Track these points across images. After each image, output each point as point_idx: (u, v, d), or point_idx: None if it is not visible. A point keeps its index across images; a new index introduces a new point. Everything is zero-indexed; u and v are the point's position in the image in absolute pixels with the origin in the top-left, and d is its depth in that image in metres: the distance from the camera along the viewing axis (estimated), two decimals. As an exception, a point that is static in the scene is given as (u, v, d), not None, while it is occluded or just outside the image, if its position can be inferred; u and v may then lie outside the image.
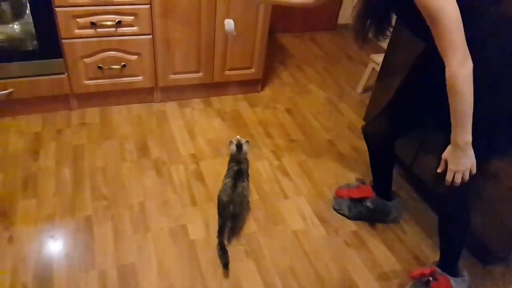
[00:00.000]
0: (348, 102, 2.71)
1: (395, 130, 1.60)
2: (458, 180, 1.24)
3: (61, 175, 1.88)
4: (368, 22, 1.26)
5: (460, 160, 1.21)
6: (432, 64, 1.31)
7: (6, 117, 2.18)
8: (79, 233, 1.63)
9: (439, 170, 1.28)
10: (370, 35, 1.30)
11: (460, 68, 1.07)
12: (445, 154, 1.25)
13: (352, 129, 2.45)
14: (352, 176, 2.09)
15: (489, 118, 1.26)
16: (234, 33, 1.73)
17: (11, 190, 1.78)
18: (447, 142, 1.26)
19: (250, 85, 2.62)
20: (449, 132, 1.26)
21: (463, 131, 1.16)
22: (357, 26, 1.29)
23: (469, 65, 1.08)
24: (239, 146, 1.79)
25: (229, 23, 1.75)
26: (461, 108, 1.12)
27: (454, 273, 1.53)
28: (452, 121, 1.17)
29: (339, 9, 3.60)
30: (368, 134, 1.70)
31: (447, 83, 1.11)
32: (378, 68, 2.44)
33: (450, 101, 1.13)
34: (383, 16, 1.27)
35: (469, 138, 1.17)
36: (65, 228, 1.65)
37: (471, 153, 1.20)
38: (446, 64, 1.09)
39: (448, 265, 1.54)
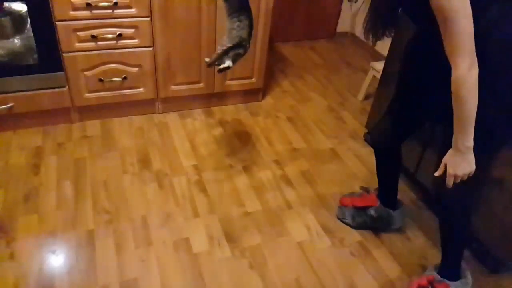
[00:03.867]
0: (350, 110, 2.70)
1: (399, 130, 1.59)
2: (456, 182, 1.23)
3: (63, 189, 1.87)
4: (380, 21, 1.26)
5: (460, 165, 1.20)
6: (425, 54, 1.31)
7: (6, 131, 2.17)
8: (81, 248, 1.61)
9: (437, 174, 1.27)
10: (381, 32, 1.29)
11: (467, 73, 1.07)
12: (445, 158, 1.23)
13: (354, 136, 2.44)
14: (356, 184, 2.08)
15: (488, 115, 1.25)
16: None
17: (12, 206, 1.76)
18: (445, 137, 1.25)
19: (251, 95, 2.62)
20: (447, 126, 1.25)
21: (465, 136, 1.15)
22: (369, 24, 1.28)
23: (476, 70, 1.07)
24: None
25: None
26: (464, 113, 1.12)
27: (456, 276, 1.52)
28: (454, 125, 1.16)
29: (338, 18, 3.61)
30: (374, 138, 1.69)
31: (452, 87, 1.10)
32: (378, 76, 2.43)
33: (454, 105, 1.12)
34: (393, 13, 1.26)
35: (470, 143, 1.16)
36: (67, 244, 1.63)
37: (471, 158, 1.19)
38: (453, 67, 1.08)
39: (449, 268, 1.53)
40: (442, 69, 1.17)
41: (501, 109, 1.28)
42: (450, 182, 1.24)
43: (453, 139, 1.18)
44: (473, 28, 1.04)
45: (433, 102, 1.37)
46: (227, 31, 1.65)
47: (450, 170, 1.22)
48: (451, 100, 1.14)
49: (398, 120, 1.56)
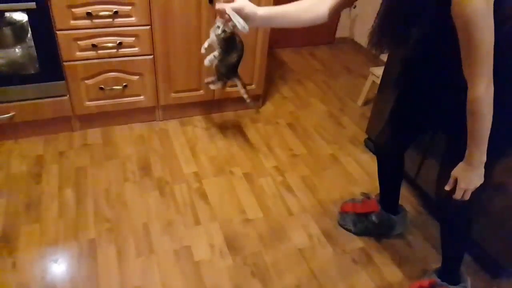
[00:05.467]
0: (350, 115, 2.71)
1: (401, 138, 1.59)
2: (466, 197, 1.24)
3: (64, 198, 1.87)
4: (392, 36, 1.21)
5: (472, 179, 1.21)
6: (427, 62, 1.30)
7: (8, 140, 2.18)
8: (82, 257, 1.62)
9: (447, 188, 1.27)
10: (390, 47, 1.27)
11: (485, 93, 1.06)
12: (456, 172, 1.23)
13: (354, 142, 2.45)
14: (357, 190, 2.08)
15: (494, 127, 1.26)
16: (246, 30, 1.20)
17: (14, 215, 1.77)
18: (449, 148, 1.25)
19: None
20: (453, 138, 1.26)
21: (479, 151, 1.15)
22: (375, 38, 1.22)
23: (492, 88, 1.07)
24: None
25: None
26: (480, 130, 1.11)
27: (455, 280, 1.53)
28: (469, 141, 1.15)
29: (337, 23, 3.63)
30: (376, 146, 1.69)
31: (469, 106, 1.10)
32: (378, 81, 2.44)
33: (469, 123, 1.12)
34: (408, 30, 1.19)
35: (484, 157, 1.16)
36: (69, 252, 1.63)
37: (482, 171, 1.20)
38: (471, 87, 1.07)
39: (449, 272, 1.54)
40: (445, 79, 1.17)
41: (504, 117, 1.28)
42: (459, 195, 1.24)
43: (467, 154, 1.18)
44: (493, 46, 1.03)
45: (436, 113, 1.36)
46: (226, 59, 1.77)
47: (462, 185, 1.22)
48: (456, 112, 1.14)
49: (400, 129, 1.56)
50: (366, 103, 2.82)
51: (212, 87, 1.88)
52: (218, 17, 1.70)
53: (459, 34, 1.04)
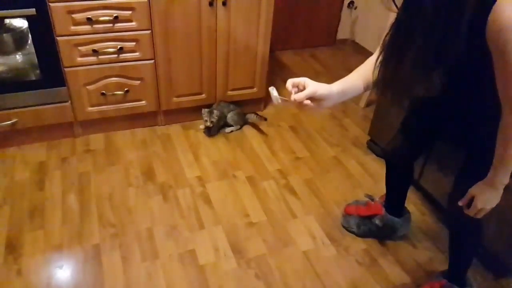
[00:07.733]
0: (352, 117, 2.70)
1: (414, 148, 1.57)
2: (479, 216, 1.23)
3: (68, 204, 1.87)
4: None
5: (490, 200, 1.20)
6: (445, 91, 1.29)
7: (11, 147, 2.18)
8: (87, 263, 1.62)
9: (461, 203, 1.26)
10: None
11: None
12: (475, 191, 1.22)
13: (357, 144, 2.44)
14: (360, 192, 2.07)
15: None
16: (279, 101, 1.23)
17: (19, 222, 1.77)
18: (466, 164, 1.27)
19: (253, 104, 2.62)
20: (468, 148, 1.27)
21: (504, 174, 1.13)
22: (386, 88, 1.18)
23: None
24: (211, 111, 2.33)
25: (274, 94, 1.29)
26: (510, 153, 1.09)
27: (462, 284, 1.52)
28: (495, 163, 1.13)
29: (338, 25, 3.63)
30: (388, 153, 1.67)
31: (503, 131, 1.07)
32: (380, 82, 2.43)
33: (501, 146, 1.10)
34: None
35: (507, 180, 1.14)
36: (74, 258, 1.63)
37: (501, 193, 1.19)
38: (508, 112, 1.03)
39: (457, 276, 1.53)
40: (468, 105, 1.16)
41: None
42: (473, 213, 1.23)
43: (491, 175, 1.16)
44: None
45: (457, 130, 1.35)
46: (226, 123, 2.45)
47: (479, 204, 1.20)
48: (482, 134, 1.13)
49: (413, 140, 1.54)
50: (368, 104, 2.82)
51: (228, 130, 2.46)
52: (202, 112, 2.33)
53: (496, 58, 0.99)
